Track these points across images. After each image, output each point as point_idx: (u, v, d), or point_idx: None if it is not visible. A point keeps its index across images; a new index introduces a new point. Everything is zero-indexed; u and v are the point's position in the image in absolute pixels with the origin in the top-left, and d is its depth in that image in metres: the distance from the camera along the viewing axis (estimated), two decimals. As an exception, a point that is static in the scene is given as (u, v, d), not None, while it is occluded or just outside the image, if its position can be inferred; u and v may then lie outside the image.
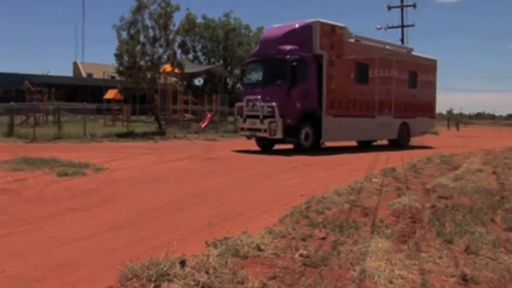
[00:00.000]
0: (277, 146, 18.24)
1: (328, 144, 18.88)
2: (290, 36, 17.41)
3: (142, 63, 26.94)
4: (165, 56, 27.28)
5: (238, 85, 45.94)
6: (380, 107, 20.40)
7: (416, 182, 9.28)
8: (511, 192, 7.76)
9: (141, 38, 26.60)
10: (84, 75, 69.16)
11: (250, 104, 17.31)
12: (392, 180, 9.36)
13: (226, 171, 11.64)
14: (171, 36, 26.81)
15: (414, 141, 22.79)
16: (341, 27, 18.48)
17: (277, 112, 16.35)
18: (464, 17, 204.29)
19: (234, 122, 24.02)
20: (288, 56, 16.64)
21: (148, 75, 27.39)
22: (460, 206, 6.56)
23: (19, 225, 5.93)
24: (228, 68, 56.43)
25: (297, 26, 17.81)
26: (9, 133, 21.77)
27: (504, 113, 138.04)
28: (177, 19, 26.94)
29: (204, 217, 6.32)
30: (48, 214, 6.56)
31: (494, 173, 10.65)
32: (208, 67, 49.37)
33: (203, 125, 29.73)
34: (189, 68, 32.89)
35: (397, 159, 13.89)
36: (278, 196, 8.17)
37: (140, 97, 38.01)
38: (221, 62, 57.11)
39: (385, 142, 22.26)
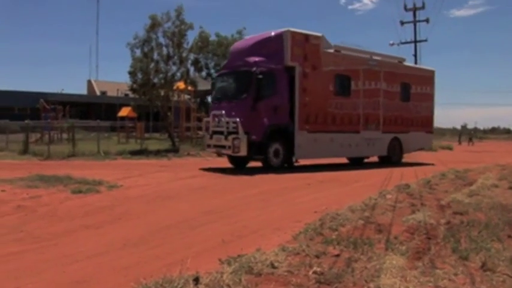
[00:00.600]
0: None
1: (303, 161, 17.81)
2: (258, 47, 16.52)
3: (156, 80, 27.12)
4: (178, 74, 27.47)
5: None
6: (366, 121, 19.04)
7: (431, 198, 9.21)
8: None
9: (155, 56, 26.82)
10: (98, 93, 69.74)
11: (216, 119, 16.42)
12: (407, 197, 9.30)
13: (240, 188, 11.62)
14: (184, 54, 27.02)
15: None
16: (316, 37, 17.29)
17: (240, 128, 15.35)
18: (478, 30, 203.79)
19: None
20: (254, 68, 15.63)
21: (162, 93, 27.57)
22: (475, 222, 6.50)
23: (34, 242, 5.96)
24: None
25: (266, 36, 16.79)
26: (25, 151, 21.95)
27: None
28: (191, 37, 27.24)
29: (218, 234, 6.31)
30: (62, 231, 6.59)
31: (510, 188, 10.56)
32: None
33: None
34: (203, 85, 33.03)
35: (411, 175, 13.81)
36: (291, 213, 8.14)
37: (154, 114, 38.28)
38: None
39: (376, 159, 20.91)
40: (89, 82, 74.50)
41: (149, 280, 3.87)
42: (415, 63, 36.18)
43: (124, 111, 38.42)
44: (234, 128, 15.51)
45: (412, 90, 21.30)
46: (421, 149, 23.10)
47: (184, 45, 26.78)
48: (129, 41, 26.82)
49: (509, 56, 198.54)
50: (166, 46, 26.76)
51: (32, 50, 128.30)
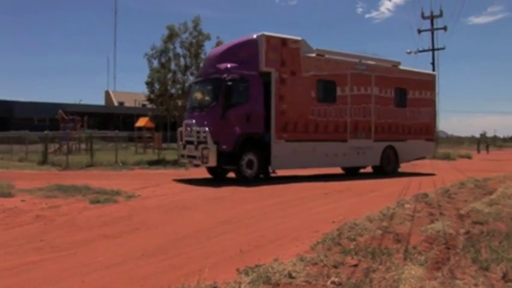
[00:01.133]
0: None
1: (285, 172, 16.70)
2: (232, 53, 15.69)
3: (173, 91, 27.34)
4: (195, 84, 27.57)
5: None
6: (354, 129, 17.88)
7: (450, 207, 9.12)
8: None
9: (172, 66, 27.08)
10: (115, 103, 70.47)
11: (188, 129, 15.64)
12: (425, 206, 9.22)
13: (256, 198, 11.60)
14: (202, 64, 27.15)
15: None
16: (295, 41, 16.27)
17: (209, 137, 14.56)
18: (498, 37, 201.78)
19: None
20: (224, 75, 14.91)
21: (179, 103, 27.68)
22: (495, 231, 6.43)
23: (53, 251, 6.01)
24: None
25: (240, 41, 16.03)
26: (44, 161, 22.19)
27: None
28: (208, 47, 27.33)
29: (235, 244, 6.31)
30: (81, 241, 6.63)
31: (531, 197, 10.41)
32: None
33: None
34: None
35: (429, 184, 13.71)
36: (309, 223, 8.10)
37: (171, 124, 38.44)
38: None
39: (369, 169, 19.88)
40: (107, 93, 75.36)
41: (167, 290, 3.88)
42: (433, 71, 35.94)
43: (141, 122, 38.69)
44: (204, 137, 14.78)
45: (409, 96, 20.05)
46: (421, 158, 21.81)
47: (202, 56, 26.92)
48: (146, 52, 27.16)
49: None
50: (184, 56, 27.02)
51: (51, 61, 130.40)
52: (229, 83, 14.75)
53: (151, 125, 37.57)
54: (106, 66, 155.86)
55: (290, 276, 4.38)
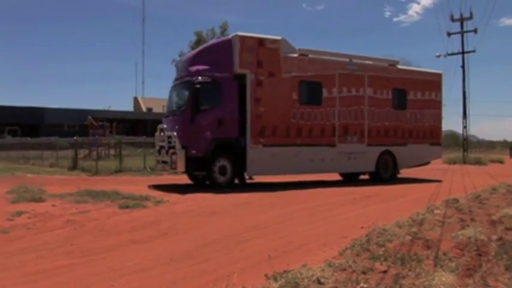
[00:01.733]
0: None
1: (262, 178, 16.05)
2: (204, 55, 15.22)
3: (200, 96, 27.38)
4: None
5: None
6: (344, 132, 16.76)
7: (481, 213, 8.95)
8: None
9: (199, 72, 27.13)
10: (144, 109, 71.18)
11: (162, 134, 15.34)
12: (456, 212, 9.07)
13: (284, 203, 11.57)
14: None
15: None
16: (274, 41, 15.43)
17: (178, 142, 14.09)
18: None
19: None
20: (193, 78, 14.38)
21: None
22: (529, 238, 6.29)
23: (83, 256, 6.09)
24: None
25: (214, 43, 15.32)
26: (74, 166, 22.57)
27: None
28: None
29: (263, 250, 6.30)
30: (110, 245, 6.70)
31: None
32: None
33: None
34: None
35: (459, 189, 13.50)
36: (337, 228, 8.06)
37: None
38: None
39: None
40: (135, 99, 76.17)
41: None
42: (463, 74, 35.42)
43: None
44: (173, 142, 14.34)
45: (409, 97, 18.66)
46: (425, 163, 19.96)
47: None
48: (174, 58, 27.32)
49: None
50: (211, 62, 27.05)
51: (80, 68, 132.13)
52: (198, 86, 14.19)
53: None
54: (134, 73, 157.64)
55: (319, 282, 4.35)
